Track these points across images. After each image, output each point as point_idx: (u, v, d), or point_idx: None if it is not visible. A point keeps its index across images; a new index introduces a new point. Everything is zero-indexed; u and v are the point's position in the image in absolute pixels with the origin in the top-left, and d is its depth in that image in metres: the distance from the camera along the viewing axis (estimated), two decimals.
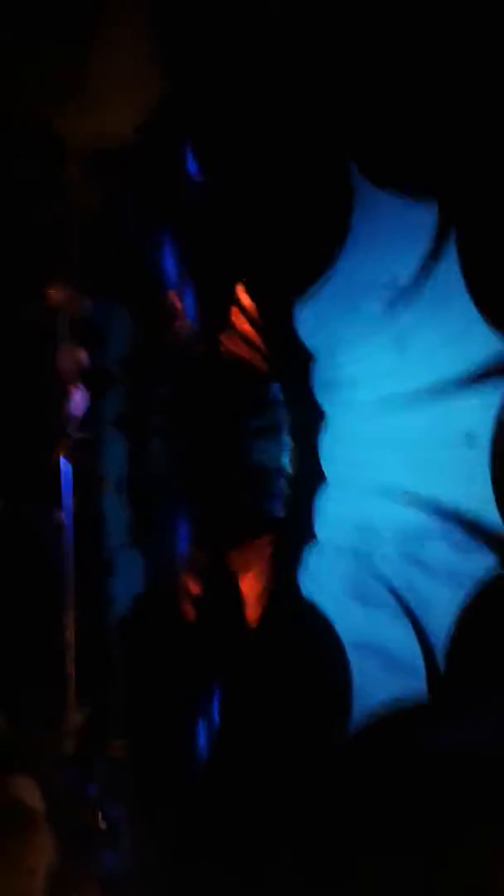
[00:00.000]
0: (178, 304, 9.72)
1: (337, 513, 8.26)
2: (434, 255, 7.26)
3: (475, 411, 7.03)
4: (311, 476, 8.48)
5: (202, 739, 8.77)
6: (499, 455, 6.87)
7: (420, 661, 7.37)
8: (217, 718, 8.89)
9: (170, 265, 9.48)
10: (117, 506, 10.13)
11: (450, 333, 7.20)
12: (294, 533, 8.64)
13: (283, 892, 6.96)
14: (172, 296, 9.71)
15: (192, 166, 8.51)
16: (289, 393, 8.78)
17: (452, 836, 6.51)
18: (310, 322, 8.31)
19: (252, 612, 9.02)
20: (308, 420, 8.48)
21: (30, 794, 5.48)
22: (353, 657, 7.89)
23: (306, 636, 8.32)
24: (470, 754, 6.85)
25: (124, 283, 9.67)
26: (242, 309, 9.02)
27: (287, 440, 8.85)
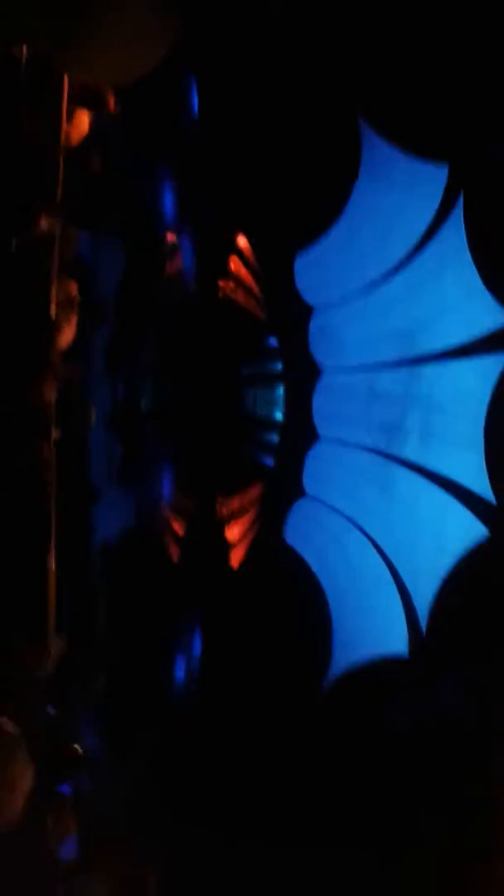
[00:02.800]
0: (176, 245, 9.57)
1: (326, 467, 8.32)
2: (440, 218, 7.15)
3: (473, 381, 7.03)
4: (302, 429, 8.49)
5: (181, 674, 8.95)
6: (494, 426, 6.91)
7: (403, 623, 7.54)
8: (196, 655, 9.06)
9: (169, 205, 9.30)
10: (104, 440, 10.14)
11: (450, 300, 7.15)
12: (282, 484, 8.70)
13: (255, 834, 7.21)
14: (170, 235, 9.55)
15: (196, 109, 8.28)
16: (284, 344, 8.72)
17: (421, 795, 6.75)
18: (309, 275, 8.21)
19: (235, 557, 9.15)
20: (302, 373, 8.45)
21: (8, 720, 5.61)
22: (335, 611, 8.05)
23: (289, 585, 8.44)
24: (444, 715, 7.06)
25: (120, 218, 9.49)
26: (242, 257, 8.89)
27: (280, 391, 8.84)
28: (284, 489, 8.66)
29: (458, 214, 6.96)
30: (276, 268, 8.45)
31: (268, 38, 7.26)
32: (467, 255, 6.97)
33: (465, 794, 6.45)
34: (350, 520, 8.04)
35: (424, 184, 7.10)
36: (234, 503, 9.28)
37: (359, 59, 7.22)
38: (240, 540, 9.19)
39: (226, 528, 9.26)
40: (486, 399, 7.00)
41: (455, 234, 7.05)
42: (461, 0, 6.29)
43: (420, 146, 7.03)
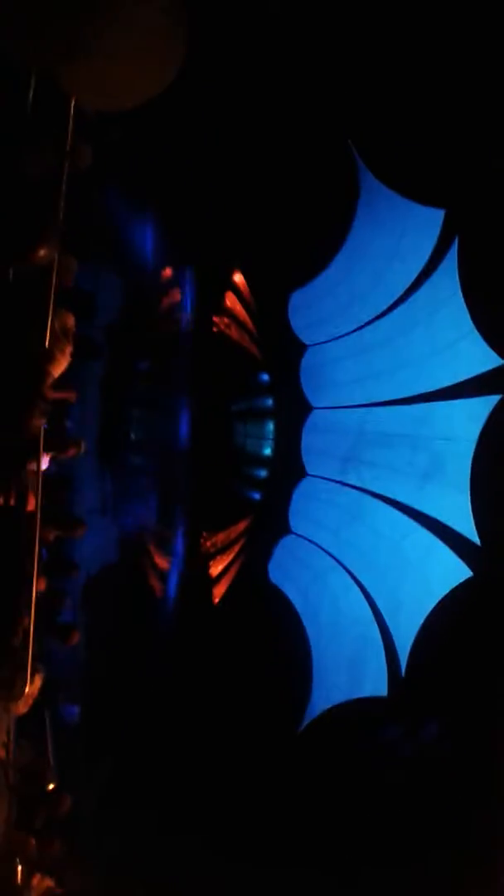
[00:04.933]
0: (173, 279, 9.68)
1: (313, 505, 8.31)
2: (434, 261, 7.26)
3: (462, 422, 7.08)
4: (290, 466, 8.51)
5: (159, 706, 8.81)
6: (480, 468, 6.94)
7: (383, 661, 7.48)
8: (175, 686, 8.94)
9: (167, 240, 9.42)
10: (92, 471, 10.12)
11: (442, 342, 7.23)
12: (269, 520, 8.68)
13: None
14: (167, 270, 9.66)
15: (198, 145, 8.43)
16: (277, 381, 8.78)
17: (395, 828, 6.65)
18: (303, 313, 8.30)
19: (218, 592, 9.10)
20: (292, 410, 8.49)
21: None
22: (316, 649, 7.99)
23: (270, 621, 8.39)
24: (421, 752, 6.99)
25: (118, 250, 9.60)
26: (238, 293, 9.00)
27: (270, 427, 8.87)
28: (270, 525, 8.64)
29: (452, 258, 7.07)
30: (271, 305, 8.54)
31: (271, 78, 7.44)
32: (460, 298, 7.05)
33: (446, 826, 6.37)
34: (334, 558, 8.01)
35: (420, 227, 7.22)
36: (220, 538, 9.25)
37: (360, 102, 7.40)
38: (223, 575, 9.14)
39: (210, 563, 9.23)
40: (474, 441, 7.03)
41: (448, 277, 7.15)
42: (458, 49, 6.45)
43: (417, 190, 7.16)
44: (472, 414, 7.02)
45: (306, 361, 8.33)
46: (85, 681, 8.87)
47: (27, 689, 4.82)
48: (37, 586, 5.02)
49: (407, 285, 7.44)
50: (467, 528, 7.09)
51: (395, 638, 7.43)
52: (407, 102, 7.02)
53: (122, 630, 9.35)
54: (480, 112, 6.48)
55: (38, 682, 5.11)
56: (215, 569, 9.16)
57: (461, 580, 7.11)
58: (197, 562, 9.32)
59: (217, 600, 9.14)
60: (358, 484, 7.86)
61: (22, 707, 4.96)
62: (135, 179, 8.77)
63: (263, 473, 8.86)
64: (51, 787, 6.62)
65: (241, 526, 9.06)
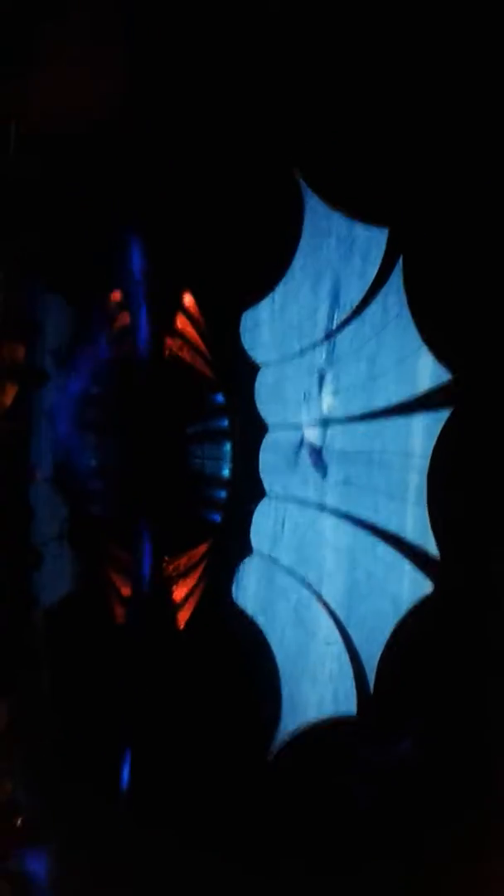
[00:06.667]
0: (122, 302, 9.66)
1: (273, 524, 8.32)
2: (380, 279, 7.32)
3: (416, 437, 7.13)
4: (249, 486, 8.50)
5: (125, 740, 8.80)
6: (435, 481, 7.00)
7: (351, 680, 7.50)
8: (139, 721, 8.93)
9: (115, 262, 9.40)
10: (47, 499, 10.05)
11: (392, 358, 7.28)
12: (230, 542, 8.67)
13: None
14: (116, 293, 9.64)
15: (144, 163, 8.45)
16: (231, 402, 8.79)
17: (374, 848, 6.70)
18: (255, 333, 8.32)
19: (182, 616, 9.07)
20: (248, 429, 8.49)
21: None
22: (283, 670, 7.99)
23: (236, 644, 8.39)
24: (393, 770, 7.03)
25: (63, 273, 9.58)
26: (188, 314, 9.00)
27: (227, 448, 8.87)
28: (232, 547, 8.63)
29: (397, 275, 7.15)
30: (222, 326, 8.56)
31: (215, 96, 7.51)
32: (408, 315, 7.13)
33: (422, 843, 6.42)
34: (296, 577, 8.02)
35: (366, 246, 7.28)
36: (182, 561, 9.22)
37: (299, 120, 7.49)
38: (186, 599, 9.11)
39: (173, 587, 9.19)
40: (428, 455, 7.09)
41: (396, 294, 7.23)
42: (402, 65, 6.56)
43: (360, 209, 7.24)
44: (426, 428, 7.08)
45: (260, 381, 8.34)
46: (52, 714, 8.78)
47: None
48: None
49: (355, 303, 7.48)
50: (427, 541, 7.14)
51: (361, 654, 7.45)
52: (348, 120, 7.13)
53: (86, 657, 9.28)
54: (424, 129, 6.60)
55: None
56: (179, 593, 9.12)
57: (423, 594, 7.15)
58: (160, 586, 9.29)
59: (182, 624, 9.11)
60: (317, 501, 7.88)
61: None
62: (85, 200, 8.77)
63: (223, 495, 8.85)
64: None
65: (203, 548, 9.04)
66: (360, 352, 7.47)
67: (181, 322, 8.99)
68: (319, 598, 7.79)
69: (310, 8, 7.00)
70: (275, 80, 7.45)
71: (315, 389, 7.85)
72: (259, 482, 8.29)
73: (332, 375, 7.74)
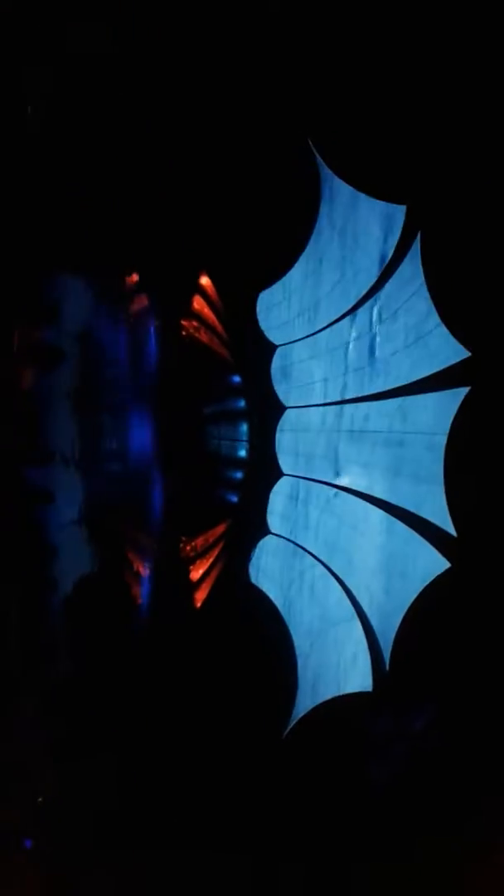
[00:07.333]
0: (139, 284, 9.65)
1: (290, 504, 8.33)
2: (397, 257, 7.30)
3: (433, 415, 7.13)
4: (266, 467, 8.51)
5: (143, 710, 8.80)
6: (452, 459, 6.99)
7: (367, 657, 7.52)
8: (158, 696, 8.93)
9: (132, 244, 9.38)
10: (67, 481, 10.07)
11: (409, 337, 7.27)
12: (247, 522, 8.69)
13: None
14: (133, 275, 9.63)
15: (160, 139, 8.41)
16: (248, 383, 8.78)
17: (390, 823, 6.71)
18: (272, 313, 8.32)
19: (199, 596, 9.10)
20: (265, 410, 8.50)
21: None
22: (300, 648, 8.02)
23: (253, 623, 8.41)
24: (407, 746, 7.06)
25: (81, 256, 9.58)
26: (205, 295, 8.99)
27: (244, 429, 8.88)
28: (249, 527, 8.65)
29: (416, 253, 7.12)
30: (238, 307, 8.55)
31: (223, 77, 7.49)
32: (426, 293, 7.11)
33: (438, 823, 6.44)
34: (313, 556, 8.04)
35: (383, 223, 7.26)
36: (199, 542, 9.24)
37: (320, 99, 7.45)
38: (204, 579, 9.13)
39: (190, 568, 9.21)
40: (446, 433, 7.09)
41: (414, 272, 7.21)
42: (419, 48, 6.53)
43: (379, 187, 7.22)
44: (444, 406, 7.07)
45: (276, 361, 8.34)
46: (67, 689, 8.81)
47: None
48: None
49: (372, 282, 7.47)
50: (443, 520, 7.14)
51: (377, 633, 7.48)
52: (368, 98, 7.11)
53: (104, 637, 9.31)
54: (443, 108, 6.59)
55: None
56: (196, 573, 9.15)
57: (439, 572, 7.16)
58: (177, 567, 9.31)
59: (199, 604, 9.14)
60: (334, 481, 7.89)
61: None
62: (98, 182, 8.76)
63: (239, 475, 8.86)
64: None
65: (220, 529, 9.06)
66: (377, 330, 7.46)
67: (198, 303, 8.99)
68: (335, 576, 7.81)
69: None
70: (294, 63, 7.43)
71: (332, 369, 7.85)
72: (276, 462, 8.31)
73: (350, 355, 7.74)
